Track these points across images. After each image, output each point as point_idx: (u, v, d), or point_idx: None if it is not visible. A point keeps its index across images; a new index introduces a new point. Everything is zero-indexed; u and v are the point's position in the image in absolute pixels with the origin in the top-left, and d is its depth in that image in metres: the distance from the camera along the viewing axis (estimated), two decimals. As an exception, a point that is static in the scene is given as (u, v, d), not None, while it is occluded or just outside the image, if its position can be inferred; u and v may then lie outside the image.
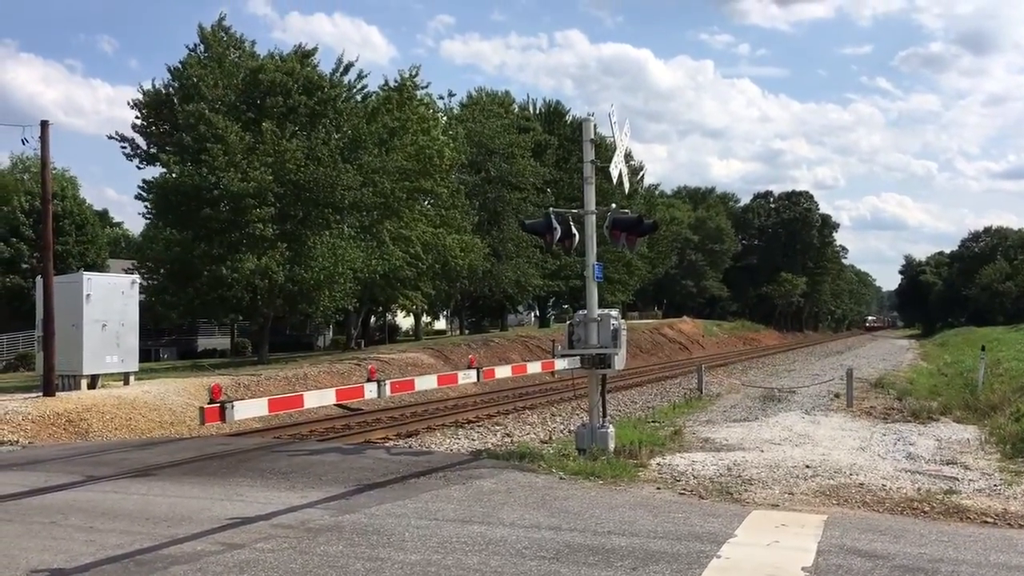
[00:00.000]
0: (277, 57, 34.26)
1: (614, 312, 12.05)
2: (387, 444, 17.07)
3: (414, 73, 37.58)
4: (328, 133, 32.90)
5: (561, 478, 9.99)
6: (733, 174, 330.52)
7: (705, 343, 68.90)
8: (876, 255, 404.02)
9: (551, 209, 12.16)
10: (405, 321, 64.26)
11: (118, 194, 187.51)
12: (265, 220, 30.05)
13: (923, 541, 7.21)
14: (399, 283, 37.96)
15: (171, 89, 32.63)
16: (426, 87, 39.30)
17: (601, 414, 11.90)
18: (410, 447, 16.88)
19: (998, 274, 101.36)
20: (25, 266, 40.57)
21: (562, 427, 20.48)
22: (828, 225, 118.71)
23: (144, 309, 26.12)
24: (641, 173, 72.77)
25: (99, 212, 63.11)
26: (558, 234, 11.76)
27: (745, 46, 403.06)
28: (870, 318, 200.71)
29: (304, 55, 34.12)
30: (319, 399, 9.19)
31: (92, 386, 21.03)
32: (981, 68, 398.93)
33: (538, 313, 66.94)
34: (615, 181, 12.55)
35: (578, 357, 11.60)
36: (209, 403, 6.86)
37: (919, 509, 8.55)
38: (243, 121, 31.69)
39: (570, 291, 54.81)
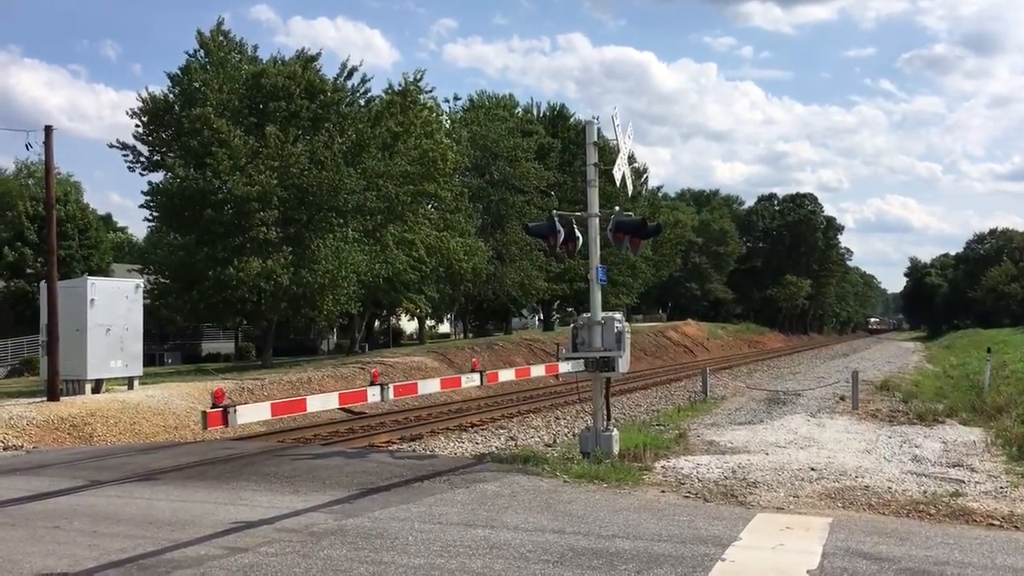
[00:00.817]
0: (279, 61, 34.30)
1: (618, 315, 12.02)
2: (391, 448, 17.06)
3: (418, 77, 37.66)
4: (331, 137, 32.91)
5: (565, 481, 9.97)
6: (737, 177, 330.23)
7: (709, 346, 68.81)
8: (881, 257, 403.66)
9: (555, 212, 12.16)
10: (409, 325, 64.27)
11: (122, 198, 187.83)
12: (269, 223, 30.08)
13: (929, 544, 7.17)
14: (403, 287, 37.97)
15: (172, 95, 32.64)
16: (430, 91, 39.41)
17: (605, 417, 11.87)
18: (414, 451, 16.86)
19: (1004, 276, 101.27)
20: (29, 271, 40.63)
21: (566, 430, 20.47)
22: (832, 227, 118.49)
23: (148, 313, 26.14)
24: (645, 176, 72.42)
25: (103, 217, 63.17)
26: (561, 237, 11.76)
27: (748, 49, 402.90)
28: (873, 320, 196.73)
29: (307, 60, 34.16)
30: (322, 403, 9.19)
31: (96, 391, 21.05)
32: (985, 70, 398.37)
33: (542, 316, 66.88)
34: (618, 184, 12.54)
35: (582, 360, 11.58)
36: (212, 407, 6.87)
37: (925, 512, 8.52)
38: (246, 126, 31.73)
39: (574, 294, 54.77)
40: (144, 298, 23.47)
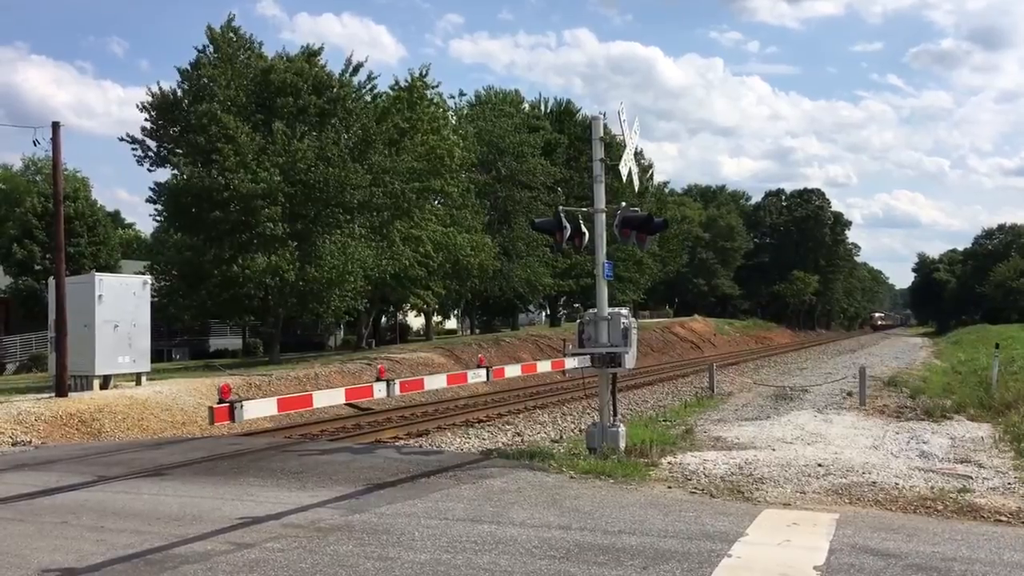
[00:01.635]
0: (284, 57, 34.31)
1: (624, 311, 11.99)
2: (397, 443, 17.07)
3: (424, 73, 37.65)
4: (338, 133, 32.92)
5: (572, 477, 9.97)
6: (744, 172, 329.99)
7: (717, 342, 68.73)
8: (889, 253, 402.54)
9: (561, 208, 12.13)
10: (416, 321, 64.31)
11: (130, 195, 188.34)
12: (275, 219, 30.11)
13: (936, 540, 7.15)
14: (410, 283, 37.98)
15: (181, 91, 32.71)
16: (437, 87, 39.36)
17: (612, 413, 11.86)
18: (420, 446, 16.88)
19: (1012, 271, 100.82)
20: (38, 267, 40.71)
21: (573, 426, 20.46)
22: (840, 223, 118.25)
23: (156, 310, 26.21)
24: (651, 171, 72.66)
25: (111, 213, 63.36)
26: (568, 233, 11.73)
27: (755, 43, 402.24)
28: (877, 315, 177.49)
29: (311, 54, 34.17)
30: (328, 399, 9.18)
31: (104, 386, 21.12)
32: (993, 64, 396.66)
33: (549, 312, 66.86)
34: (625, 179, 12.51)
35: (588, 356, 11.55)
36: (218, 403, 6.86)
37: (932, 507, 8.49)
38: (253, 122, 31.76)
39: (581, 290, 54.70)
40: (152, 296, 23.51)
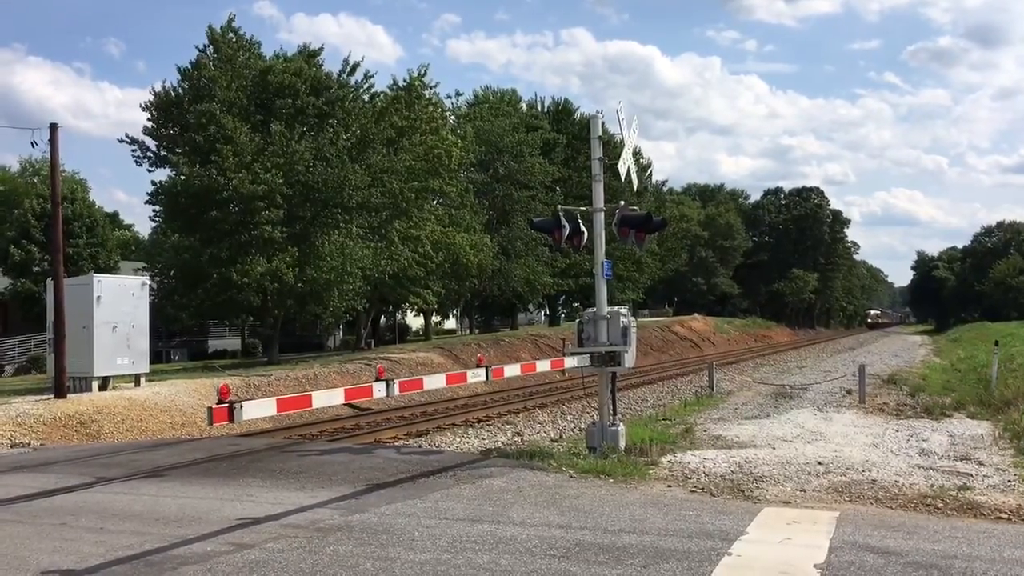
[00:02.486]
0: (282, 58, 34.30)
1: (624, 310, 11.99)
2: (397, 443, 17.07)
3: (422, 73, 37.68)
4: (336, 133, 32.93)
5: (571, 476, 9.95)
6: (742, 171, 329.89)
7: (716, 340, 68.73)
8: (888, 251, 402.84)
9: (560, 207, 12.12)
10: (415, 321, 64.32)
11: (128, 196, 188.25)
12: (274, 223, 30.08)
13: (936, 537, 7.14)
14: (409, 283, 37.97)
15: (181, 90, 32.70)
16: (435, 87, 39.38)
17: (611, 412, 11.85)
18: (420, 446, 16.88)
19: (1011, 269, 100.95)
20: (36, 269, 40.65)
21: (572, 426, 20.45)
22: (839, 221, 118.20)
23: (155, 311, 26.17)
24: (650, 170, 72.60)
25: (109, 214, 63.29)
26: (567, 232, 11.72)
27: (752, 42, 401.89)
28: (872, 312, 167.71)
29: (309, 55, 34.17)
30: (328, 399, 9.17)
31: (103, 388, 21.10)
32: (990, 62, 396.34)
33: (548, 312, 66.85)
34: (623, 178, 12.49)
35: (588, 355, 11.55)
36: (218, 403, 6.85)
37: (932, 505, 8.48)
38: (252, 123, 31.75)
39: (580, 289, 54.71)
40: (150, 296, 23.49)
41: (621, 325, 11.57)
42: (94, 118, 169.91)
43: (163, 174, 33.23)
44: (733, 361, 46.61)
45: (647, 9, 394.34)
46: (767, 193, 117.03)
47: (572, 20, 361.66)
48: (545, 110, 62.14)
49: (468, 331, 61.82)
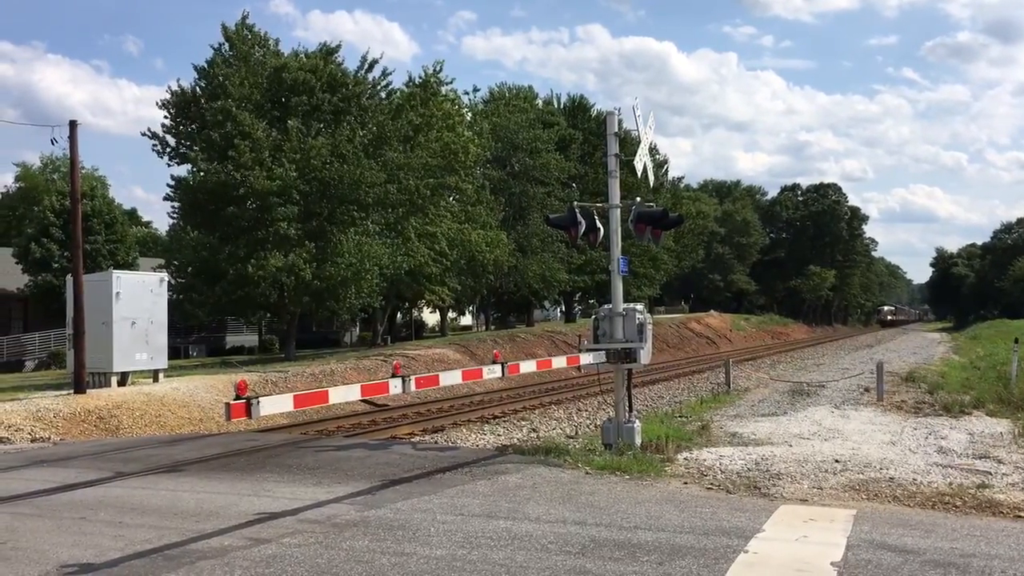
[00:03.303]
0: (302, 55, 34.42)
1: (640, 306, 11.97)
2: (413, 439, 17.10)
3: (438, 69, 37.66)
4: (353, 130, 33.00)
5: (587, 473, 9.95)
6: (759, 167, 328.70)
7: (732, 337, 68.46)
8: (906, 248, 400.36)
9: (576, 203, 12.10)
10: (431, 317, 64.42)
11: (146, 193, 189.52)
12: (290, 219, 30.19)
13: (955, 536, 7.09)
14: (425, 279, 38.04)
15: (198, 88, 32.89)
16: (450, 83, 39.38)
17: (627, 409, 11.83)
18: (436, 442, 16.90)
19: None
20: (56, 265, 40.97)
21: (588, 422, 20.43)
22: (857, 217, 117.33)
23: (173, 307, 26.33)
24: (666, 167, 72.41)
25: (128, 211, 63.75)
26: (583, 228, 11.70)
27: (769, 38, 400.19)
28: (886, 308, 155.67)
29: (328, 52, 34.26)
30: (344, 395, 9.18)
31: (122, 383, 21.27)
32: (1010, 57, 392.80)
33: (564, 308, 66.77)
34: (640, 175, 12.47)
35: (603, 352, 11.53)
36: (235, 399, 6.88)
37: (950, 503, 8.42)
38: (268, 119, 31.88)
39: (596, 286, 54.64)
40: (168, 292, 23.65)
41: (637, 322, 11.55)
42: (113, 115, 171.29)
43: (182, 170, 33.47)
44: (750, 358, 46.42)
45: (663, 5, 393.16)
46: (784, 189, 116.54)
47: (588, 16, 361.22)
48: (561, 106, 61.99)
49: (484, 328, 61.89)
